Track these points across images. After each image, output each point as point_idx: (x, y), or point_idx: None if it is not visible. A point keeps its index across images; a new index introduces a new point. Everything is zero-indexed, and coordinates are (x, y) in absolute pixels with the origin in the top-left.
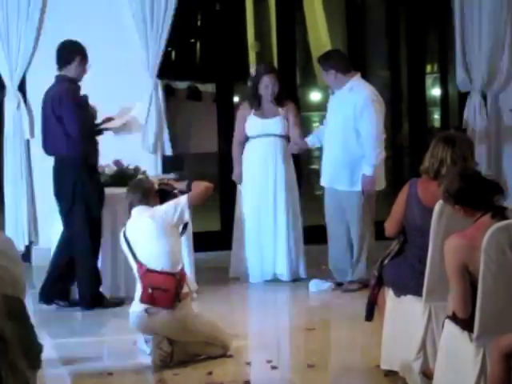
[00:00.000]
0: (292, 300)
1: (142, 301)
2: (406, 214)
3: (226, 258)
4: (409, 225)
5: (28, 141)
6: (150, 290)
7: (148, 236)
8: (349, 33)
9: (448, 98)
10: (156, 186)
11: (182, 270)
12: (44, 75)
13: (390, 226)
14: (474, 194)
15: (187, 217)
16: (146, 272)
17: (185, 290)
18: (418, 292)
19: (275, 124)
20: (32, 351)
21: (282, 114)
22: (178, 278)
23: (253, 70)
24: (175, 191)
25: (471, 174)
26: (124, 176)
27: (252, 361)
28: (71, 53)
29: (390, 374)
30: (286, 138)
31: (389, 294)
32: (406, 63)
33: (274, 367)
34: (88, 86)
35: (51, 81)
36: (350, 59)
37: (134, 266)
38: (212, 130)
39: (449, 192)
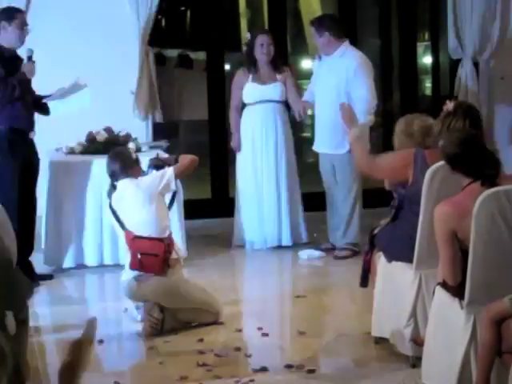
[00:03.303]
0: (284, 267)
1: (132, 267)
2: (410, 184)
3: (217, 226)
4: (411, 194)
5: None
6: (138, 256)
7: (134, 204)
8: (339, 0)
9: (439, 65)
10: (134, 156)
11: (170, 235)
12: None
13: (382, 170)
14: (467, 161)
15: (173, 186)
16: (134, 239)
17: (174, 256)
18: (409, 258)
19: (274, 90)
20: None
21: (280, 79)
22: (167, 243)
23: (247, 36)
24: (166, 166)
25: (470, 141)
26: (115, 143)
27: (243, 328)
28: None
29: (380, 341)
30: (284, 103)
31: (380, 260)
32: (397, 31)
33: (264, 334)
34: (79, 55)
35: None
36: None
37: (122, 234)
38: (203, 97)
39: (444, 152)
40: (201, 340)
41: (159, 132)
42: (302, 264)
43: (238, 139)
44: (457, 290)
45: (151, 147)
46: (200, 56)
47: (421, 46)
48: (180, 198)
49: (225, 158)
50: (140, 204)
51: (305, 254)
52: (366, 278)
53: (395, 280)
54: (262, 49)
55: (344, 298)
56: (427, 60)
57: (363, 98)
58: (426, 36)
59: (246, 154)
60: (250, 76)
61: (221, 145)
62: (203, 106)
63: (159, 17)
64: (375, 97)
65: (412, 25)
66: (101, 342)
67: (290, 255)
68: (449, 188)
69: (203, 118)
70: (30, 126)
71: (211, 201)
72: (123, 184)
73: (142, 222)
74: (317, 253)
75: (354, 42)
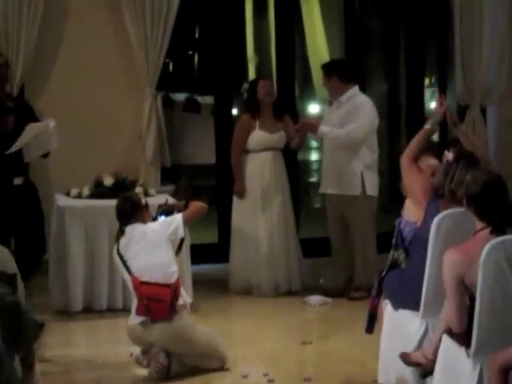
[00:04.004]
0: (291, 312)
1: (138, 313)
2: (420, 226)
3: (223, 271)
4: (419, 236)
5: None
6: (145, 302)
7: (142, 249)
8: (347, 45)
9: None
10: (143, 201)
11: (178, 281)
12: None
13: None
14: (485, 204)
15: (182, 233)
16: (141, 284)
17: (181, 302)
18: (416, 306)
19: (280, 139)
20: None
21: (281, 127)
22: (174, 289)
23: (244, 85)
24: (175, 212)
25: (494, 185)
26: (122, 187)
27: (249, 374)
28: None
29: None
30: (284, 150)
31: (386, 307)
32: (404, 76)
33: (270, 380)
34: (88, 96)
35: (50, 90)
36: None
37: (129, 279)
38: (210, 141)
39: (466, 189)
40: None
41: (166, 175)
42: (309, 309)
43: (243, 186)
44: (463, 339)
45: (159, 192)
46: (207, 100)
47: (428, 91)
48: (187, 243)
49: (231, 202)
50: (148, 249)
51: (311, 299)
52: (372, 324)
53: (401, 328)
54: (266, 90)
55: (350, 344)
56: (434, 105)
57: (352, 128)
58: (434, 80)
59: (253, 200)
60: (257, 123)
61: (227, 189)
62: (210, 150)
63: (167, 60)
64: (361, 137)
65: (419, 69)
66: None
67: (296, 300)
68: (456, 236)
69: (210, 162)
70: None
71: (217, 245)
72: (132, 228)
73: (149, 267)
74: (323, 298)
75: (361, 87)
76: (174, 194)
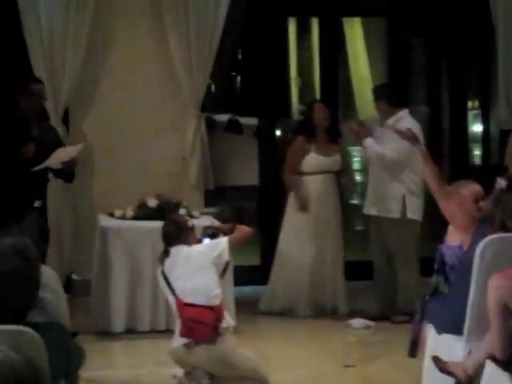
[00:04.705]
0: (334, 335)
1: (181, 335)
2: (466, 251)
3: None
4: (465, 261)
5: None
6: (188, 323)
7: (186, 271)
8: (390, 69)
9: (489, 134)
10: (189, 223)
11: (221, 304)
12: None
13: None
14: None
15: (227, 257)
16: (184, 306)
17: (224, 324)
18: (458, 331)
19: (334, 162)
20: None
21: (337, 150)
22: (217, 311)
23: (300, 107)
24: (220, 235)
25: None
26: (166, 209)
27: None
28: None
29: None
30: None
31: (430, 331)
32: (447, 99)
33: None
34: (132, 118)
35: (94, 113)
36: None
37: (173, 301)
38: (253, 163)
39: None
40: None
41: (209, 197)
42: (352, 332)
43: (304, 199)
44: (507, 364)
45: (202, 213)
46: (250, 121)
47: (471, 114)
48: (230, 268)
49: (274, 224)
50: (192, 271)
51: (354, 322)
52: (415, 348)
53: (444, 352)
54: (323, 114)
55: (393, 367)
56: (477, 128)
57: (390, 151)
58: (476, 104)
59: (304, 222)
60: (313, 146)
61: (270, 210)
62: (252, 171)
63: (210, 82)
64: (394, 159)
65: (462, 93)
66: None
67: (339, 323)
68: (502, 261)
69: (253, 183)
70: None
71: (260, 267)
72: (177, 250)
73: (193, 290)
74: (366, 321)
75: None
76: (217, 216)
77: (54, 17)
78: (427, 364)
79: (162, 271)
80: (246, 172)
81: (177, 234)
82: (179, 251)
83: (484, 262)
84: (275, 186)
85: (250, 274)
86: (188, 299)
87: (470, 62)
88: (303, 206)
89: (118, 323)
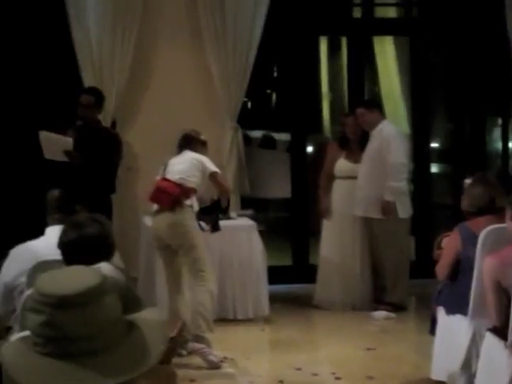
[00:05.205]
0: (358, 325)
1: (150, 198)
2: (462, 257)
3: (297, 290)
4: (466, 265)
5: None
6: (157, 192)
7: (178, 161)
8: (412, 85)
9: (508, 149)
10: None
11: (192, 191)
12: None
13: (442, 269)
14: None
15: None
16: (162, 180)
17: (188, 202)
18: (464, 312)
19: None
20: None
21: None
22: (185, 190)
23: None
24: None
25: None
26: (206, 210)
27: (318, 373)
28: None
29: None
30: None
31: (440, 312)
32: (468, 115)
33: (337, 378)
34: (173, 128)
35: (139, 124)
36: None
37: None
38: (285, 177)
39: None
40: (281, 381)
41: (245, 206)
42: (374, 323)
43: (326, 207)
44: (503, 334)
45: (239, 215)
46: (283, 137)
47: (492, 131)
48: (264, 262)
49: (305, 230)
50: (181, 161)
51: (377, 314)
52: (434, 327)
53: (453, 330)
54: (350, 129)
55: (410, 350)
56: (498, 145)
57: (393, 162)
58: (499, 121)
59: (338, 223)
60: (344, 153)
61: (302, 219)
62: (285, 185)
63: (246, 99)
64: (405, 162)
65: (483, 109)
66: (192, 381)
67: (363, 315)
68: (499, 248)
69: (285, 196)
70: None
71: (292, 267)
72: (184, 153)
73: (173, 171)
74: (388, 313)
75: (427, 126)
76: (253, 218)
77: (102, 35)
78: (438, 340)
79: (167, 163)
80: (279, 185)
81: (189, 142)
82: (185, 153)
83: (484, 249)
84: (307, 198)
85: (283, 273)
86: (167, 176)
87: (491, 77)
88: (322, 212)
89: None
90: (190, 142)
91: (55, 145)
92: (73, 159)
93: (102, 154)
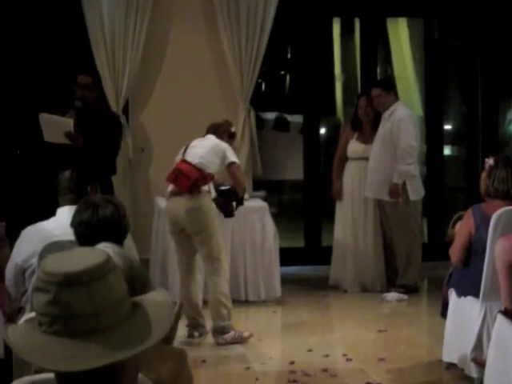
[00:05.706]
0: (370, 306)
1: (168, 179)
2: (474, 238)
3: (308, 271)
4: (479, 246)
5: (130, 160)
6: (176, 172)
7: (200, 145)
8: (426, 68)
9: None
10: (232, 129)
11: (210, 176)
12: (145, 100)
13: (456, 253)
14: None
15: (229, 158)
16: (182, 162)
17: (206, 188)
18: (476, 294)
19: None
20: None
21: None
22: (204, 175)
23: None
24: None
25: None
26: (217, 190)
27: (330, 354)
28: None
29: (450, 366)
30: None
31: (452, 295)
32: (482, 98)
33: (348, 359)
34: (185, 110)
35: (152, 104)
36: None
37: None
38: (298, 158)
39: None
40: (292, 362)
41: (257, 188)
42: (386, 304)
43: (338, 189)
44: None
45: (252, 196)
46: (296, 119)
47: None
48: (276, 244)
49: (318, 212)
50: (203, 145)
51: (389, 295)
52: (446, 310)
53: (464, 312)
54: (362, 110)
55: (422, 333)
56: (511, 128)
57: (403, 145)
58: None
59: (350, 205)
60: (356, 134)
61: (314, 201)
62: (298, 166)
63: (259, 81)
64: (415, 145)
65: (496, 94)
66: (204, 361)
67: (375, 297)
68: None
69: (298, 178)
70: None
71: (304, 249)
72: (207, 137)
73: (194, 154)
74: (400, 295)
75: (440, 110)
76: (265, 199)
77: (115, 16)
78: (449, 323)
79: (188, 144)
80: (292, 167)
81: (216, 128)
82: (208, 138)
83: (497, 232)
84: (319, 181)
85: (295, 255)
86: (188, 158)
87: (506, 64)
88: (333, 193)
89: (176, 299)
90: (216, 128)
91: (56, 127)
92: (74, 141)
93: (103, 135)
